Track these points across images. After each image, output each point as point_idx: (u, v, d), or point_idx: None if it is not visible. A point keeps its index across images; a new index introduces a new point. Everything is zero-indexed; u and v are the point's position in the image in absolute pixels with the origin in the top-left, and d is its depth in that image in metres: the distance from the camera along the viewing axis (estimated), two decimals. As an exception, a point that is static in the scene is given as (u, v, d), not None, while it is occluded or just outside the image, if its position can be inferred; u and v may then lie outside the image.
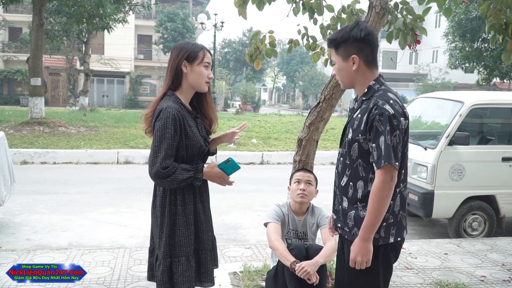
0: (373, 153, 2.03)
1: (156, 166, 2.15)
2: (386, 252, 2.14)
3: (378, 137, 1.99)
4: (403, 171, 2.12)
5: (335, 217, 2.31)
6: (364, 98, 2.15)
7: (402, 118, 2.02)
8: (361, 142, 2.08)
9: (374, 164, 2.03)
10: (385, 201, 2.00)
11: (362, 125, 2.06)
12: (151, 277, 2.41)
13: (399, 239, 2.16)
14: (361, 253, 2.05)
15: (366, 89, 2.16)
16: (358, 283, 2.17)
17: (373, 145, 2.02)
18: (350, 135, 2.14)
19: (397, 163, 1.98)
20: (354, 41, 2.09)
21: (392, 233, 2.13)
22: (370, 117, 2.03)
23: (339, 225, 2.25)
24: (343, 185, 2.20)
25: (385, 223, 2.10)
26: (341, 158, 2.24)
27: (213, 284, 2.43)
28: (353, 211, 2.14)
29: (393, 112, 1.99)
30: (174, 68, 2.29)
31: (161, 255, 2.26)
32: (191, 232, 2.29)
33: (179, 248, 2.26)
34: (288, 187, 3.10)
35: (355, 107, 2.21)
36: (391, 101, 2.03)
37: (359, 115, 2.12)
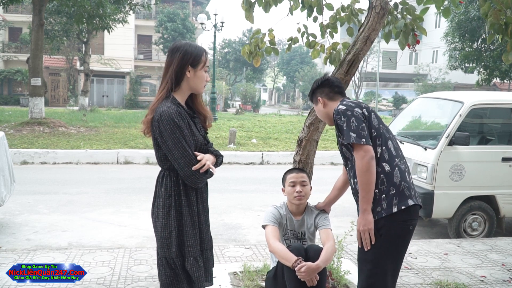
0: (344, 142, 2.43)
1: (185, 170, 2.19)
2: (391, 224, 2.38)
3: (342, 129, 2.42)
4: (391, 148, 2.46)
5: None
6: None
7: (356, 109, 2.44)
8: (345, 143, 2.47)
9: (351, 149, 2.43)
10: (367, 173, 2.33)
11: (336, 131, 2.55)
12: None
13: (403, 207, 2.37)
14: (362, 223, 2.39)
15: None
16: (365, 258, 2.45)
17: (344, 137, 2.41)
18: (338, 142, 2.59)
19: (363, 140, 2.34)
20: (315, 90, 2.71)
21: (395, 203, 2.38)
22: (335, 122, 2.51)
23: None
24: (352, 179, 2.56)
25: (384, 195, 2.39)
26: (343, 158, 2.65)
27: (212, 283, 2.44)
28: None
29: (344, 107, 2.45)
30: (178, 71, 2.26)
31: (173, 254, 2.26)
32: (197, 232, 2.30)
33: (187, 249, 2.26)
34: (282, 189, 3.08)
35: None
36: (344, 103, 2.51)
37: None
